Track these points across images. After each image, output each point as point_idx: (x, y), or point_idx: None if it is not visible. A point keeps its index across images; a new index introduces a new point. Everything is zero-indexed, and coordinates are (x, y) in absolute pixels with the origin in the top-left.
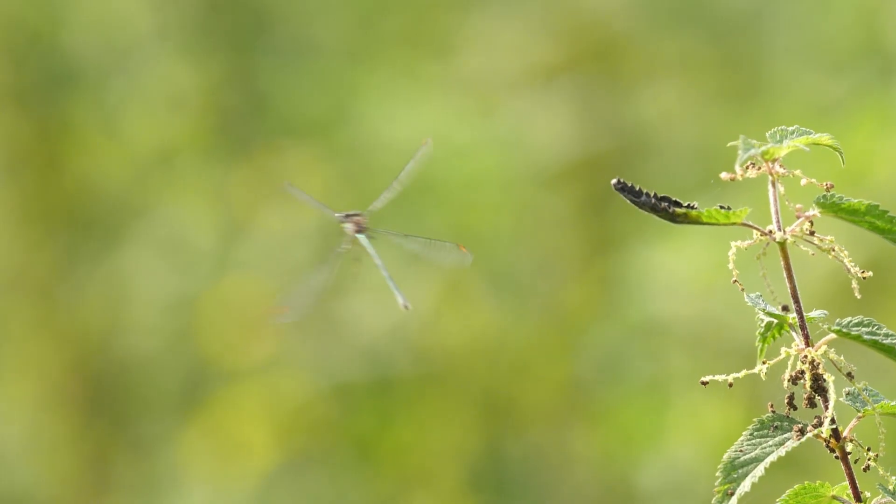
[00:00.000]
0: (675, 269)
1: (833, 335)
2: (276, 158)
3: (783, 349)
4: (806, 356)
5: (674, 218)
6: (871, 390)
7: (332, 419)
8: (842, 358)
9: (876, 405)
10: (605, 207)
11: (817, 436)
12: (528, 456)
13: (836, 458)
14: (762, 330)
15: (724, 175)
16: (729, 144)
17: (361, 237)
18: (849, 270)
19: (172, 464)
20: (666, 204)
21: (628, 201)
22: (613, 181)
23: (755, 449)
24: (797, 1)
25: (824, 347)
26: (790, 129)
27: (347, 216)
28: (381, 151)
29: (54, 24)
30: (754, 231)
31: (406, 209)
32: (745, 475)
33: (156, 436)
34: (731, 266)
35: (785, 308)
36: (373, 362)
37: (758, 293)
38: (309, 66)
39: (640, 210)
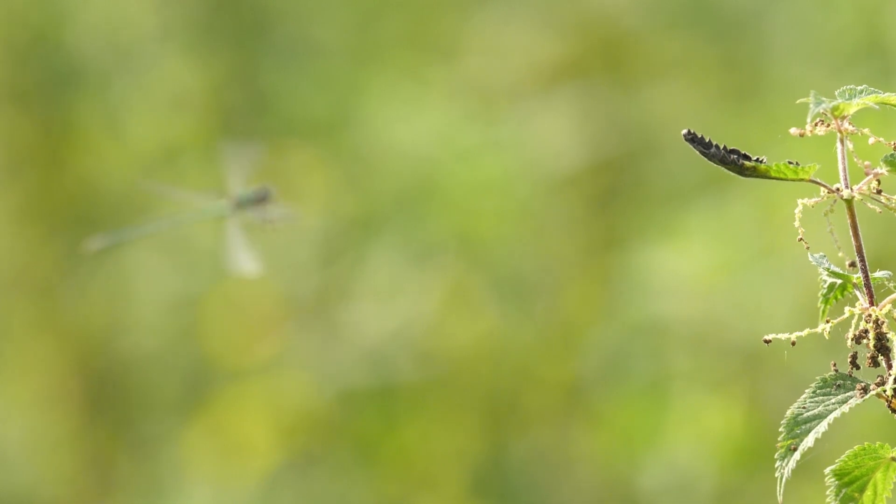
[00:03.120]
0: (678, 269)
1: None
2: (279, 158)
3: (847, 308)
4: (870, 315)
5: (742, 171)
6: None
7: (334, 421)
8: None
9: None
10: (607, 207)
11: (880, 395)
12: (532, 458)
13: None
14: (824, 291)
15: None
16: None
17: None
18: None
19: (174, 464)
20: (735, 157)
21: (698, 152)
22: (684, 132)
23: (818, 406)
24: (799, 0)
25: (889, 306)
26: (859, 87)
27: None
28: (384, 154)
29: (58, 23)
30: (821, 188)
31: (410, 213)
32: (808, 431)
33: (158, 435)
34: (796, 223)
35: (853, 265)
36: (376, 365)
37: (822, 253)
38: (312, 66)
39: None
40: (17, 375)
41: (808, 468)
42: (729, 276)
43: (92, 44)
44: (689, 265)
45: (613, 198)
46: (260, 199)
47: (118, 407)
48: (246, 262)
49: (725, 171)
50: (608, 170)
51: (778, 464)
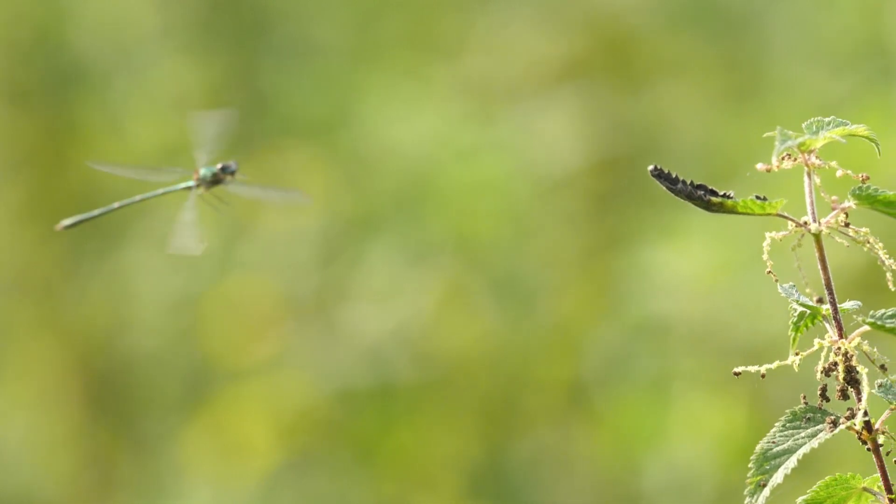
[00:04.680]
0: (678, 269)
1: (867, 327)
2: (279, 158)
3: (816, 340)
4: (839, 348)
5: (709, 206)
6: None
7: (334, 421)
8: (875, 350)
9: None
10: (608, 207)
11: (850, 428)
12: (531, 459)
13: (868, 450)
14: (795, 320)
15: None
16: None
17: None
18: (883, 263)
19: (175, 463)
20: (702, 192)
21: (664, 188)
22: (650, 168)
23: (787, 441)
24: (799, 0)
25: (857, 339)
26: (826, 119)
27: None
28: (383, 154)
29: (60, 23)
30: (789, 222)
31: (409, 213)
32: (778, 466)
33: (158, 435)
34: (765, 257)
35: (820, 300)
36: (375, 365)
37: (791, 283)
38: (311, 66)
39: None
40: (18, 375)
41: (809, 470)
42: (730, 276)
43: (93, 43)
44: (690, 265)
45: (615, 197)
46: (223, 176)
47: (118, 407)
48: (189, 240)
49: (727, 170)
50: (610, 169)
51: (747, 500)
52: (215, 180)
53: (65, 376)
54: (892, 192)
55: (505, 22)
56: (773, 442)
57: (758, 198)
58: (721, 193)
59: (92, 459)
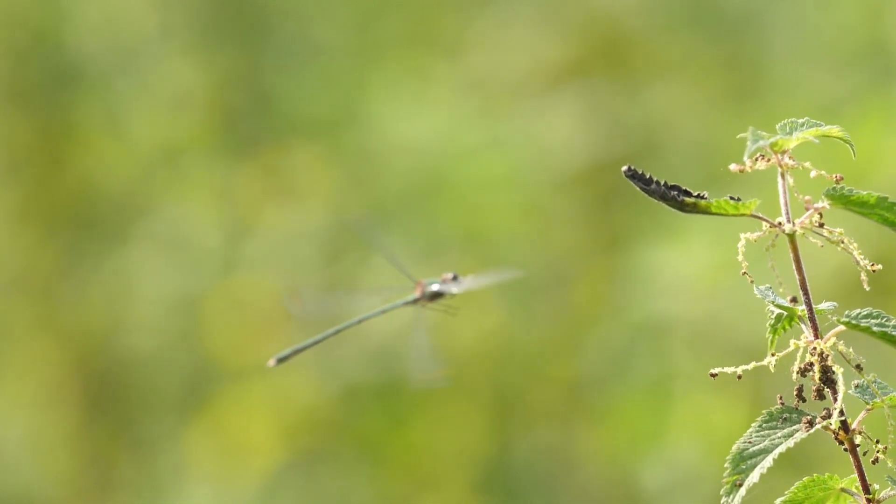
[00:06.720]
0: (680, 269)
1: (842, 327)
2: (283, 157)
3: (792, 341)
4: (815, 348)
5: (683, 207)
6: (881, 382)
7: (338, 419)
8: (851, 350)
9: (885, 397)
10: (610, 207)
11: (826, 428)
12: (537, 456)
13: (845, 450)
14: (772, 322)
15: (733, 166)
16: (738, 136)
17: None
18: (858, 263)
19: (176, 463)
20: (675, 193)
21: (638, 189)
22: (624, 168)
23: (764, 440)
24: (799, 0)
25: (833, 339)
26: (800, 120)
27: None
28: (389, 151)
29: (59, 23)
30: (763, 223)
31: (415, 211)
32: (754, 466)
33: (159, 435)
34: (740, 258)
35: (794, 300)
36: (380, 363)
37: (767, 285)
38: (315, 65)
39: (650, 199)
40: (17, 375)
41: (805, 467)
42: (730, 275)
43: (92, 43)
44: (691, 265)
45: (615, 197)
46: (447, 289)
47: (118, 407)
48: (430, 365)
49: (728, 170)
50: (610, 169)
51: (724, 500)
52: (437, 294)
53: (64, 376)
54: (865, 193)
55: (505, 22)
56: (750, 442)
57: (732, 198)
58: (695, 194)
59: (91, 459)
